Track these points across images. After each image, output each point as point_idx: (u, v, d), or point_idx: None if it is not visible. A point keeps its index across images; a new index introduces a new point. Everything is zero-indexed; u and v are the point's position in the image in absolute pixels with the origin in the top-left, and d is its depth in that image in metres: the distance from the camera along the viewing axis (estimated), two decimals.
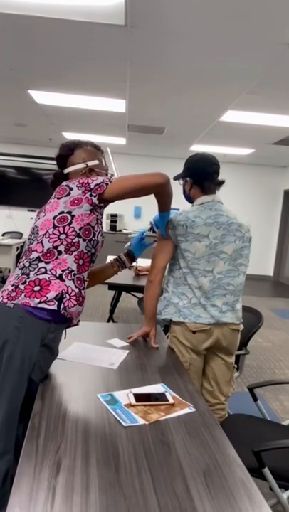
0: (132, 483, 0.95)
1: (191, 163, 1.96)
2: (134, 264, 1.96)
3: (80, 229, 1.49)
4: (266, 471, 1.44)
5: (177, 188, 2.11)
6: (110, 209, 8.16)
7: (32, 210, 8.15)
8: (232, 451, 1.13)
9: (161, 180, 1.54)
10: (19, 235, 7.52)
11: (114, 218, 8.30)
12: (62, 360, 1.65)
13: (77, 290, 1.49)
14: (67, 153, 1.69)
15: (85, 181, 1.53)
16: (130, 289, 4.01)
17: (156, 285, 1.92)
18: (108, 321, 4.29)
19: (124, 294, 4.40)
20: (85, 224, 1.51)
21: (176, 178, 2.03)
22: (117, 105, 4.60)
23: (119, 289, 3.98)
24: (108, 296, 5.72)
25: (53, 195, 1.58)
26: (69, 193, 1.52)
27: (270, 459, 1.45)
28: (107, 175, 1.71)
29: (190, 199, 2.01)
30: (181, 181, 2.02)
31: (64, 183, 1.57)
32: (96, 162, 1.69)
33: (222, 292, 1.88)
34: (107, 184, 1.52)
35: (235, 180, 8.47)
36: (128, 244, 1.98)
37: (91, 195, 1.50)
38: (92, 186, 1.51)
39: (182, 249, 1.86)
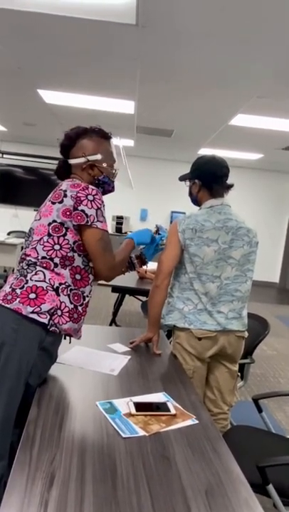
0: (129, 501, 0.89)
1: (200, 165, 1.90)
2: (144, 267, 1.87)
3: (74, 242, 1.41)
4: (270, 487, 1.37)
5: (183, 191, 2.06)
6: (116, 211, 8.12)
7: (38, 210, 8.13)
8: (236, 467, 1.07)
9: (110, 276, 1.52)
10: (24, 234, 7.50)
11: (119, 220, 8.23)
12: (62, 364, 1.60)
13: (71, 306, 1.42)
14: (68, 143, 1.57)
15: (79, 196, 1.41)
16: (134, 292, 3.95)
17: (162, 290, 1.87)
18: (110, 324, 4.23)
19: (127, 296, 4.34)
20: (80, 238, 1.42)
21: (181, 179, 1.97)
22: (126, 106, 4.56)
23: (122, 291, 3.92)
24: (111, 299, 5.66)
25: (49, 195, 1.50)
26: (62, 201, 1.42)
27: (274, 474, 1.38)
28: (113, 168, 1.61)
29: (197, 202, 1.95)
30: (188, 183, 1.96)
31: (63, 187, 1.46)
32: (98, 157, 1.54)
33: (229, 299, 1.82)
34: (87, 225, 1.40)
35: (244, 185, 8.38)
36: (142, 246, 1.89)
37: (71, 215, 1.41)
38: (77, 208, 1.40)
39: (191, 254, 1.80)
